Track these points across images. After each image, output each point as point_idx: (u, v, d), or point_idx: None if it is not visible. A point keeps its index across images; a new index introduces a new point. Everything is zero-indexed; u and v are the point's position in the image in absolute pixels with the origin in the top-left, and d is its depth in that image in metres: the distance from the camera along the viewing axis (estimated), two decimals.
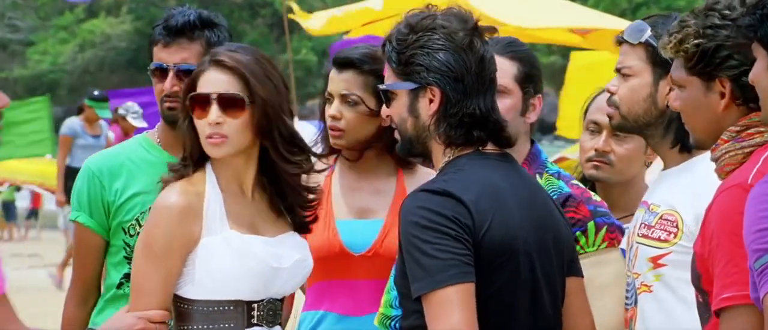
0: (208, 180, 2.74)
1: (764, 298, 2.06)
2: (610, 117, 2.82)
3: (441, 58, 2.52)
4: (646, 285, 2.70)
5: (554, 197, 2.77)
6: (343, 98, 3.09)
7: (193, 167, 2.77)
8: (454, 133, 2.53)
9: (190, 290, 2.68)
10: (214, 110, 2.70)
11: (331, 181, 3.20)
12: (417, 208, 2.44)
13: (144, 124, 10.33)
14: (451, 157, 2.55)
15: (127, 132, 10.47)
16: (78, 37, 32.61)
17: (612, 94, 2.79)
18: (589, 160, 3.32)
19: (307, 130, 3.37)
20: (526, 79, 2.93)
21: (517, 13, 8.22)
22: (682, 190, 2.67)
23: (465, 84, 2.53)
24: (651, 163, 3.35)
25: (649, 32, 2.72)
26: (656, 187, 2.80)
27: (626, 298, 2.80)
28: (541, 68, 3.06)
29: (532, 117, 2.97)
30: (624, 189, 3.31)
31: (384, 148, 3.13)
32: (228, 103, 2.72)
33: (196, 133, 2.74)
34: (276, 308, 2.75)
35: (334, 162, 3.23)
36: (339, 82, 3.10)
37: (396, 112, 2.60)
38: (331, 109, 3.08)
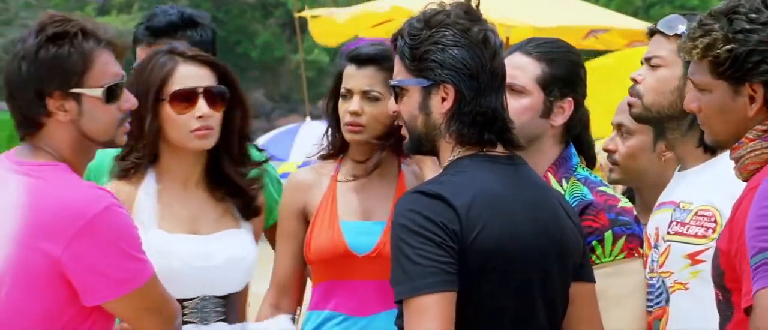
0: (147, 179, 2.77)
1: (757, 293, 2.08)
2: (630, 106, 2.79)
3: (456, 55, 2.49)
4: (680, 283, 2.67)
5: (575, 204, 2.72)
6: (365, 94, 3.10)
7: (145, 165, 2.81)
8: (467, 132, 2.50)
9: None
10: (203, 104, 2.76)
11: (335, 182, 3.20)
12: (407, 211, 2.42)
13: None
14: (455, 157, 2.52)
15: None
16: None
17: (637, 82, 2.76)
18: (609, 162, 3.29)
19: (319, 130, 3.36)
20: (550, 81, 2.84)
21: (529, 12, 8.21)
22: (722, 185, 2.61)
23: (479, 81, 2.49)
24: (667, 158, 3.25)
25: (684, 26, 2.67)
26: (678, 185, 2.76)
27: (649, 299, 2.76)
28: (581, 73, 2.93)
29: (558, 120, 2.87)
30: (653, 191, 3.16)
31: (391, 148, 3.13)
32: (214, 97, 2.79)
33: (159, 129, 2.77)
34: (213, 306, 2.76)
35: (338, 162, 3.23)
36: (360, 78, 3.10)
37: (406, 108, 2.55)
38: (352, 105, 3.06)
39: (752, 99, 2.31)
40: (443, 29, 2.50)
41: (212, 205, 2.84)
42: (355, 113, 3.06)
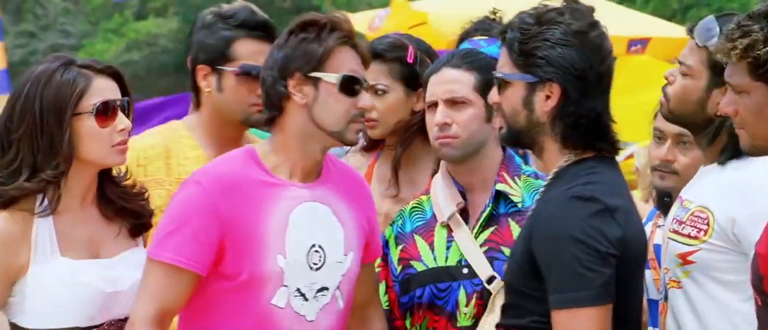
0: (38, 203, 2.61)
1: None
2: (661, 104, 2.80)
3: (564, 54, 2.46)
4: (674, 281, 2.70)
5: (537, 197, 2.68)
6: (372, 89, 3.15)
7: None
8: (571, 134, 2.49)
9: (24, 319, 2.62)
10: (122, 117, 2.66)
11: (372, 172, 3.29)
12: (570, 217, 2.39)
13: None
14: (572, 159, 2.50)
15: None
16: (125, 38, 32.93)
17: (669, 83, 2.76)
18: (655, 169, 3.28)
19: None
20: (485, 87, 2.87)
21: None
22: (720, 189, 2.65)
23: (586, 83, 2.47)
24: None
25: (716, 38, 2.63)
26: (693, 183, 2.79)
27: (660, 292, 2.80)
28: None
29: (498, 121, 2.93)
30: None
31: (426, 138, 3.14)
32: (126, 110, 2.69)
33: (71, 143, 2.60)
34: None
35: (378, 151, 3.31)
36: (366, 74, 3.15)
37: (508, 102, 2.54)
38: (363, 101, 3.11)
39: None
40: (554, 27, 2.47)
41: (106, 224, 2.72)
42: (365, 109, 3.10)
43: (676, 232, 2.70)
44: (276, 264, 2.61)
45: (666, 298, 2.74)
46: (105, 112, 2.63)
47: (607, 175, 2.48)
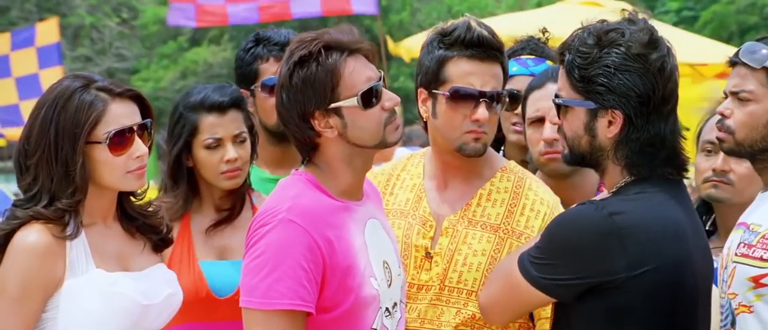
0: (72, 219, 2.57)
1: None
2: (720, 140, 2.75)
3: (627, 81, 2.38)
4: (745, 305, 2.65)
5: None
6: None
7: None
8: (635, 159, 2.43)
9: None
10: (139, 143, 2.62)
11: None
12: (577, 216, 2.38)
13: None
14: (630, 180, 2.44)
15: None
16: (180, 65, 33.28)
17: (725, 117, 2.71)
18: (707, 180, 3.24)
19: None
20: None
21: None
22: None
23: (649, 108, 2.39)
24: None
25: None
26: (757, 207, 2.75)
27: (721, 319, 2.75)
28: None
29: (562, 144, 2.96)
30: (742, 210, 3.22)
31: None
32: (144, 133, 2.64)
33: (85, 170, 2.55)
34: None
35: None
36: None
37: (570, 126, 2.49)
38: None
39: None
40: (616, 50, 2.39)
41: (130, 239, 2.71)
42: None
43: (745, 256, 2.65)
44: (372, 288, 2.54)
45: (733, 323, 2.70)
46: (120, 141, 2.57)
47: (657, 197, 2.40)
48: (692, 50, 8.71)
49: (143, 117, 2.67)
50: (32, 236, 2.53)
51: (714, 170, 3.23)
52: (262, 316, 2.42)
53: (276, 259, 2.43)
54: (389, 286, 2.62)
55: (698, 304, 2.51)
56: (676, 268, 2.40)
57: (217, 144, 3.16)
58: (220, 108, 3.17)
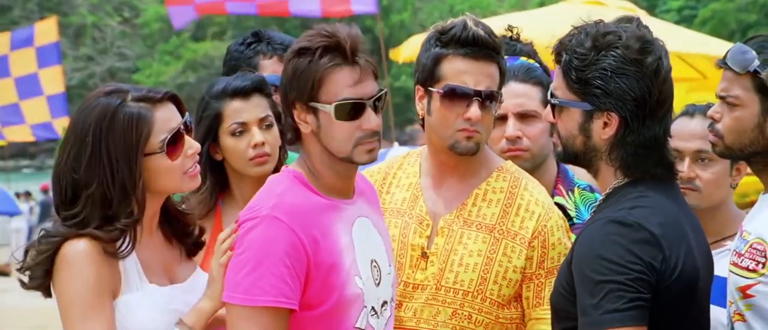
0: (128, 236, 2.52)
1: None
2: (713, 144, 2.74)
3: (623, 85, 2.40)
4: (739, 314, 2.65)
5: (593, 210, 2.64)
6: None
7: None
8: (629, 161, 2.44)
9: None
10: (190, 142, 2.60)
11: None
12: (606, 241, 2.33)
13: None
14: (624, 181, 2.46)
15: None
16: (182, 60, 33.32)
17: (715, 121, 2.71)
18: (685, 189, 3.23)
19: None
20: (547, 103, 2.84)
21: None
22: None
23: (645, 110, 2.41)
24: (737, 184, 3.22)
25: (756, 62, 2.60)
26: (755, 214, 2.73)
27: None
28: None
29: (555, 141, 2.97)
30: (712, 214, 3.16)
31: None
32: (188, 132, 2.63)
33: (145, 191, 2.52)
34: None
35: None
36: None
37: (564, 126, 2.51)
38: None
39: None
40: (612, 53, 2.41)
41: (170, 248, 2.68)
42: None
43: (736, 265, 2.64)
44: (356, 286, 2.54)
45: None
46: (174, 142, 2.56)
47: (657, 199, 2.42)
48: (698, 44, 8.72)
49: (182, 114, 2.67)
50: (82, 245, 2.48)
51: (681, 178, 3.22)
52: (245, 313, 2.45)
53: (259, 256, 2.45)
54: (377, 285, 2.62)
55: (701, 304, 2.51)
56: (692, 269, 2.41)
57: (243, 129, 3.15)
58: (243, 92, 3.16)
